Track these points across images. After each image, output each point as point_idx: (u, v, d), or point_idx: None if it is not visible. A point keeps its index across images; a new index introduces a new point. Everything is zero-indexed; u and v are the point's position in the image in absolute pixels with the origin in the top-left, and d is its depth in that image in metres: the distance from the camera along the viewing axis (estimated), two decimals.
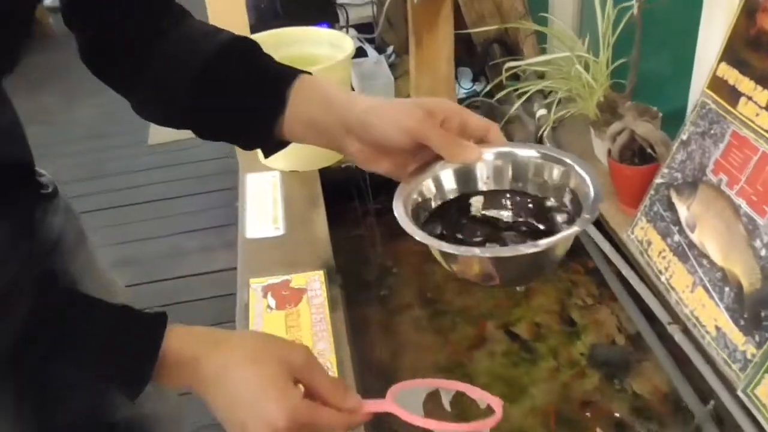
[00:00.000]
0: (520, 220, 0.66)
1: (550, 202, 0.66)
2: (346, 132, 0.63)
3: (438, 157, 0.63)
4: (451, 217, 0.66)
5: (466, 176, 0.67)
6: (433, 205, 0.66)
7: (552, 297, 1.27)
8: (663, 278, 1.00)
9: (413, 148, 0.62)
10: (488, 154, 0.64)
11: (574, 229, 0.57)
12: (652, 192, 1.05)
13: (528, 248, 0.56)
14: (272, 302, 1.05)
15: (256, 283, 1.08)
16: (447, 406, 0.63)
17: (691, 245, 0.95)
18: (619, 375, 0.99)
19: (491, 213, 0.67)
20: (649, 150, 1.07)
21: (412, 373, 1.08)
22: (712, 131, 0.95)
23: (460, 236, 0.65)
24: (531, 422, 0.97)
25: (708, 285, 0.91)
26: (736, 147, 0.90)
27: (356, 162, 0.65)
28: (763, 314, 0.82)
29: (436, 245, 0.58)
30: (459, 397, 0.63)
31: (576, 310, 1.23)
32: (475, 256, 0.58)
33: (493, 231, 0.66)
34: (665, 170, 1.03)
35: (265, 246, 1.17)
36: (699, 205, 0.95)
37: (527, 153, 0.66)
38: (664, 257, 1.00)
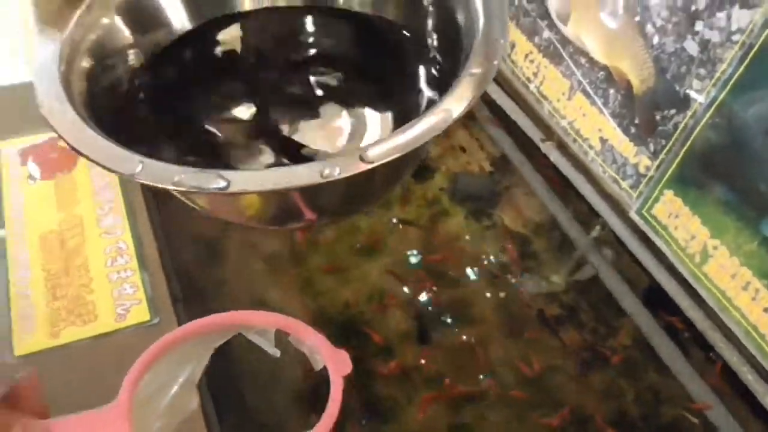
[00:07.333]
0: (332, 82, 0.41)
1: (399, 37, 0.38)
2: None
3: None
4: (182, 86, 0.36)
5: None
6: (132, 59, 0.35)
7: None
8: (532, 87, 0.82)
9: None
10: None
11: (441, 114, 0.30)
12: None
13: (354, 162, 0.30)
14: (35, 170, 0.77)
15: (9, 146, 0.79)
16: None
17: (565, 41, 0.77)
18: (487, 209, 0.83)
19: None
20: None
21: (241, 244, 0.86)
22: None
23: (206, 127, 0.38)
24: (389, 280, 0.80)
25: (588, 88, 0.74)
26: None
27: None
28: (657, 117, 0.67)
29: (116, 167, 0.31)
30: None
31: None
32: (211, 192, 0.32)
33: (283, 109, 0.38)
34: None
35: (18, 94, 0.86)
36: None
37: None
38: (532, 60, 0.82)
